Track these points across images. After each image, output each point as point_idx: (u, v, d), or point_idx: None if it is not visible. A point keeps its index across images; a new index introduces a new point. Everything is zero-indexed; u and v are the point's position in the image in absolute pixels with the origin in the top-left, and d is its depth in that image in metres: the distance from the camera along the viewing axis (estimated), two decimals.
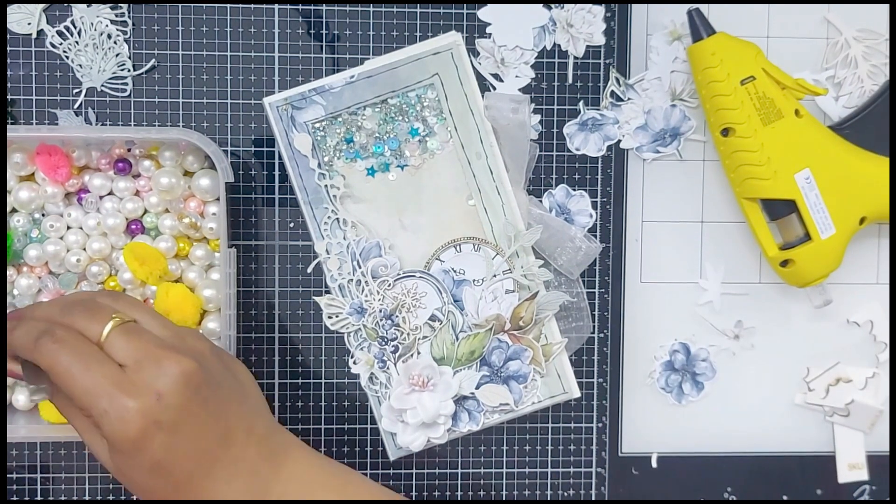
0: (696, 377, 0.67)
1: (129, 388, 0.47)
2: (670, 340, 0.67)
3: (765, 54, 0.61)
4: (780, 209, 0.63)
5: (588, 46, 0.64)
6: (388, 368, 0.63)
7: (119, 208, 0.61)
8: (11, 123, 0.62)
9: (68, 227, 0.61)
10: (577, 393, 0.64)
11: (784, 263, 0.63)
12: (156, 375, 0.48)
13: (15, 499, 0.63)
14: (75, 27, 0.62)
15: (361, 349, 0.63)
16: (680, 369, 0.67)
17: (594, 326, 0.66)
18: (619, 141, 0.65)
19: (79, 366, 0.47)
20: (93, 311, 0.50)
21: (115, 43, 0.62)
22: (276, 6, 0.63)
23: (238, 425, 0.51)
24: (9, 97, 0.62)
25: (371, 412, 0.64)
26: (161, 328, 0.51)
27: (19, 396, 0.61)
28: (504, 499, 0.66)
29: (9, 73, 0.61)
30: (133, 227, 0.61)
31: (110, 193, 0.61)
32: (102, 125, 0.62)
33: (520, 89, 0.64)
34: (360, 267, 0.63)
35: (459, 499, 0.66)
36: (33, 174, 0.60)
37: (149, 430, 0.47)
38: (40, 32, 0.62)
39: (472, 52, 0.63)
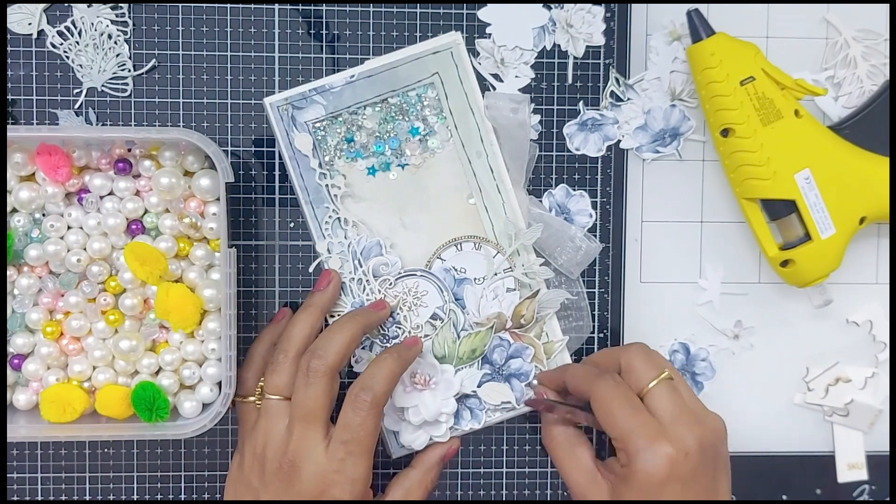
0: (696, 377, 0.67)
1: (665, 437, 0.55)
2: (670, 340, 0.67)
3: (764, 54, 0.61)
4: (780, 209, 0.63)
5: (588, 46, 0.64)
6: None
7: (119, 208, 0.61)
8: (11, 123, 0.62)
9: (68, 227, 0.61)
10: None
11: (784, 263, 0.63)
12: (687, 435, 0.55)
13: (15, 498, 0.63)
14: (75, 27, 0.62)
15: (363, 348, 0.63)
16: (680, 369, 0.67)
17: (594, 326, 0.66)
18: (619, 141, 0.65)
19: (626, 410, 0.56)
20: (649, 359, 0.59)
21: (115, 43, 0.62)
22: (276, 6, 0.63)
23: (726, 496, 0.58)
24: (9, 97, 0.62)
25: None
26: (689, 394, 0.59)
27: (19, 396, 0.61)
28: (504, 499, 0.66)
29: (9, 73, 0.61)
30: (133, 227, 0.61)
31: (110, 193, 0.61)
32: (103, 125, 0.62)
33: (520, 89, 0.64)
34: (361, 266, 0.63)
35: (459, 498, 0.66)
36: (34, 174, 0.60)
37: (671, 478, 0.55)
38: (41, 32, 0.62)
39: (472, 52, 0.63)
